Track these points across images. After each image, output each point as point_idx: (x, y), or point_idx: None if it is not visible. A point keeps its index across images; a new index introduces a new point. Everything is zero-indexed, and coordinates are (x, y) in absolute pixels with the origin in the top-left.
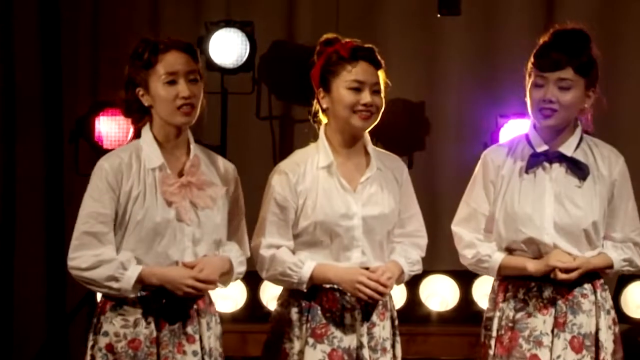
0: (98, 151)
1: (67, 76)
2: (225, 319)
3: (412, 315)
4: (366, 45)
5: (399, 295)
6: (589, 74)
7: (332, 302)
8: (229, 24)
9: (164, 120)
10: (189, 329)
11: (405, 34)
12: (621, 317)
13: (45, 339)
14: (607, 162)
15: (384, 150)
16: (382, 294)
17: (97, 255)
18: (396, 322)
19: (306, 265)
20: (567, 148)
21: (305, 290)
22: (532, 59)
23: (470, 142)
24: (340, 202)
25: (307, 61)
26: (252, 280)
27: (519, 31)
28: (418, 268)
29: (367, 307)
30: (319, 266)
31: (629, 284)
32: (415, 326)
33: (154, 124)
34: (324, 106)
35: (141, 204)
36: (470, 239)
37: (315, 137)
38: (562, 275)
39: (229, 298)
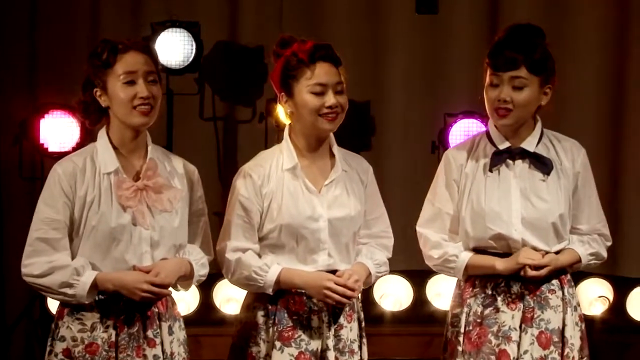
0: (42, 154)
1: (5, 78)
2: None
3: (366, 315)
4: (323, 44)
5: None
6: (543, 71)
7: (298, 305)
8: (174, 24)
9: (121, 122)
10: (149, 333)
11: (349, 32)
12: None
13: None
14: (570, 154)
15: (348, 151)
16: (349, 298)
17: (51, 261)
18: (363, 324)
19: (272, 269)
20: (529, 144)
21: (271, 294)
22: (486, 58)
23: (417, 141)
24: (306, 204)
25: (251, 61)
26: (206, 282)
27: (465, 29)
28: (385, 269)
29: (335, 309)
30: (285, 271)
31: (582, 280)
32: (369, 327)
33: (111, 127)
34: (288, 110)
35: (96, 209)
36: (437, 239)
37: (279, 139)
38: (531, 272)
39: (181, 301)
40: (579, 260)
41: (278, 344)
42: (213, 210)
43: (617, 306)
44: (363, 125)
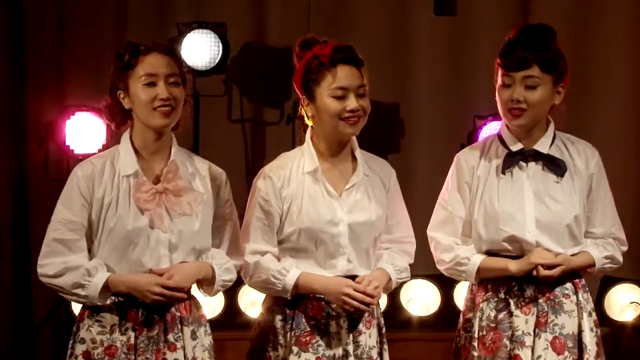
0: (68, 156)
1: (32, 80)
2: None
3: (393, 320)
4: (344, 45)
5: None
6: (555, 70)
7: (317, 310)
8: (201, 25)
9: (143, 123)
10: (170, 337)
11: (379, 34)
12: (604, 320)
13: (11, 351)
14: (584, 156)
15: (372, 155)
16: (368, 305)
17: (65, 262)
18: (383, 330)
19: (291, 273)
20: (542, 146)
21: (289, 298)
22: (498, 59)
23: (446, 143)
24: (326, 208)
25: (278, 62)
26: (230, 286)
27: (494, 32)
28: (406, 275)
29: (353, 315)
30: (304, 275)
31: (613, 286)
32: (396, 332)
33: (134, 129)
34: (309, 114)
35: (113, 212)
36: (448, 242)
37: (301, 141)
38: (544, 272)
39: (207, 305)
40: (593, 264)
41: (295, 348)
42: (240, 213)
43: None
44: (392, 127)
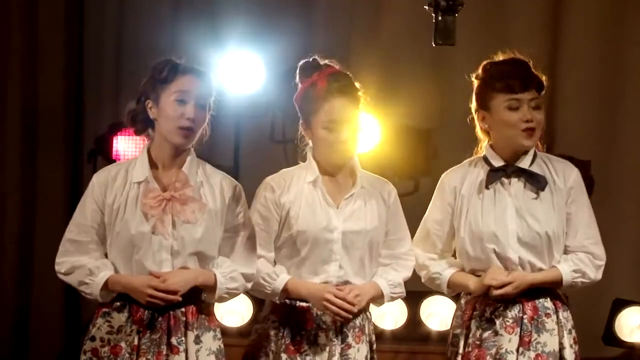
0: None
1: (90, 97)
2: (231, 334)
3: (413, 334)
4: (340, 75)
5: (399, 315)
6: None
7: (307, 321)
8: (244, 48)
9: (163, 137)
10: (174, 340)
11: (415, 61)
12: (615, 341)
13: (61, 351)
14: (562, 173)
15: (373, 175)
16: (349, 312)
17: (73, 262)
18: (374, 347)
19: (280, 277)
20: (524, 162)
21: (278, 302)
22: (494, 85)
23: None
24: (323, 215)
25: None
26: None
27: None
28: (400, 290)
29: (343, 328)
30: (292, 280)
31: (624, 308)
32: (417, 344)
33: (154, 141)
34: (307, 139)
35: (121, 217)
36: (423, 260)
37: (303, 159)
38: (496, 292)
39: (235, 313)
40: (560, 278)
41: (284, 355)
42: None
43: None
44: (425, 151)
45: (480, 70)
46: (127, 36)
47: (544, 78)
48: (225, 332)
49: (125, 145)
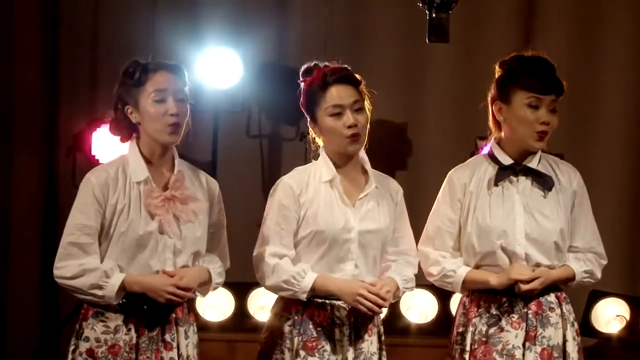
0: (94, 165)
1: (65, 93)
2: (213, 328)
3: (393, 327)
4: (339, 67)
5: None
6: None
7: (323, 317)
8: (221, 44)
9: (151, 138)
10: (167, 337)
11: (390, 56)
12: (591, 331)
13: (36, 348)
14: (567, 175)
15: (379, 172)
16: (380, 307)
17: (82, 264)
18: (383, 337)
19: (308, 275)
20: (532, 163)
21: (304, 300)
22: (519, 80)
23: (450, 163)
24: (340, 215)
25: (295, 82)
26: (240, 290)
27: (496, 59)
28: (411, 285)
29: (356, 323)
30: (320, 277)
31: (600, 300)
32: (396, 337)
33: (141, 141)
34: (316, 134)
35: (125, 217)
36: (435, 256)
37: (315, 157)
38: (525, 287)
39: (216, 307)
40: (573, 277)
41: (302, 352)
42: (257, 222)
43: (634, 325)
44: (400, 146)
45: (507, 60)
46: (103, 32)
47: (564, 83)
48: (206, 327)
49: (103, 141)
